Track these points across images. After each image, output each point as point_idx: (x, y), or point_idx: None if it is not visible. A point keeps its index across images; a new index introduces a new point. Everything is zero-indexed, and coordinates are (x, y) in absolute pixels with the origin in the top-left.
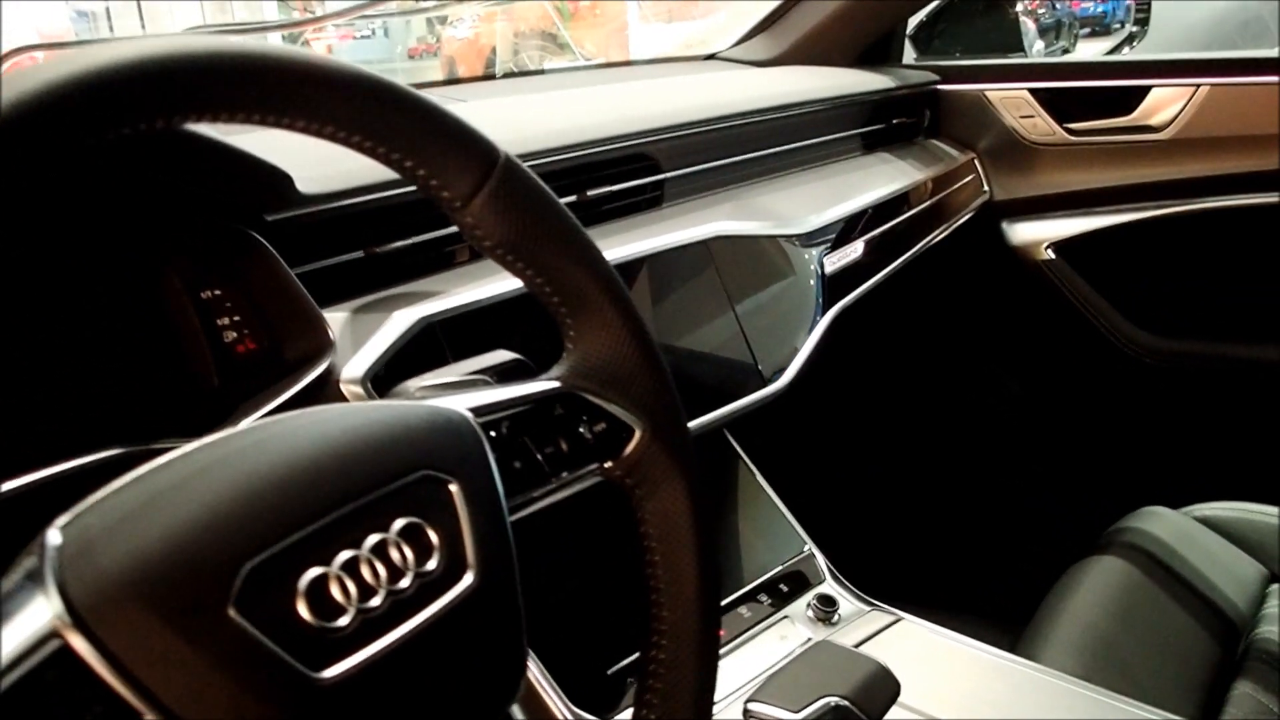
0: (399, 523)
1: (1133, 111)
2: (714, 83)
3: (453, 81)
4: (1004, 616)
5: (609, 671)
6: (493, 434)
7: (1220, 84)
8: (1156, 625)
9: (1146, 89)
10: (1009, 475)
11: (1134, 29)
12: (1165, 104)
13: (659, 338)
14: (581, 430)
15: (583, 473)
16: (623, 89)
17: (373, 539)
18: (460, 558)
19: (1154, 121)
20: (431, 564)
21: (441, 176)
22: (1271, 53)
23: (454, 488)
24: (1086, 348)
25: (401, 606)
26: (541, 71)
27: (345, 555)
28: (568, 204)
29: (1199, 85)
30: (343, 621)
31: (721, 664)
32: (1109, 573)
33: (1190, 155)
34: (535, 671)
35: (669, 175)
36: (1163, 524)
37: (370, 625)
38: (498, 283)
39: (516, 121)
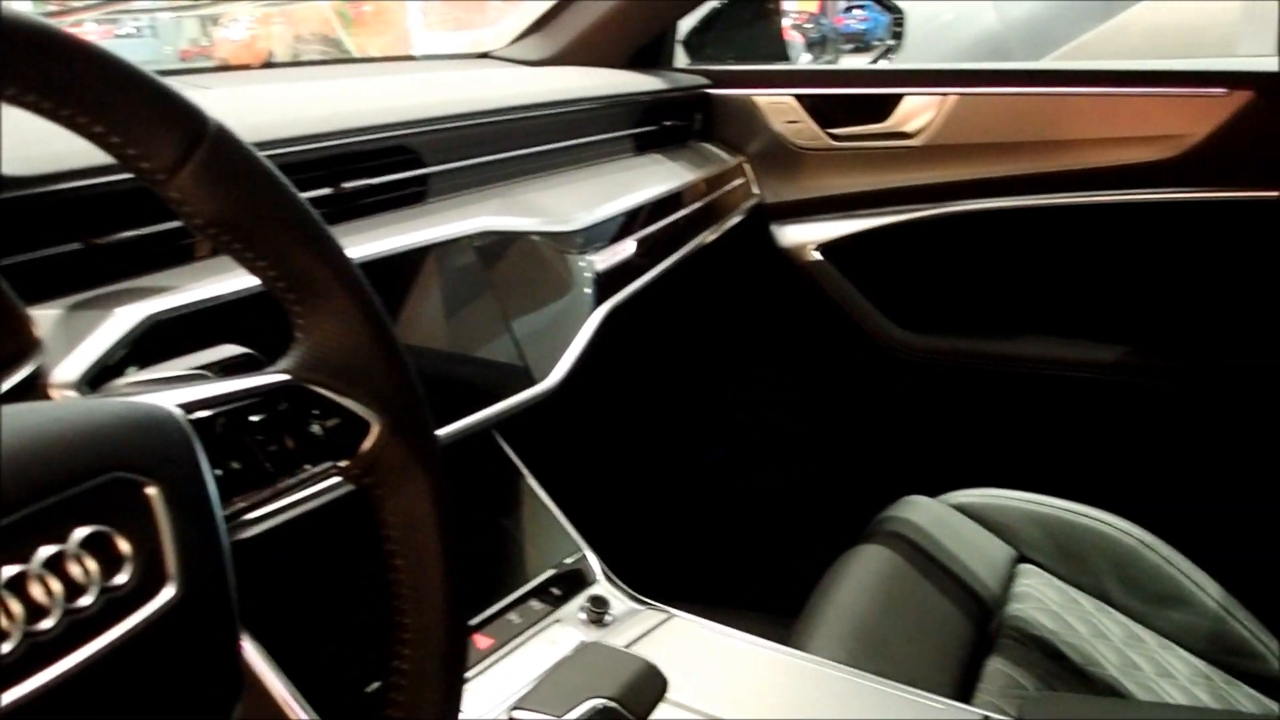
0: (80, 532)
1: (888, 118)
2: (484, 79)
3: (201, 70)
4: (779, 609)
5: (367, 690)
6: (208, 432)
7: (966, 93)
8: (918, 609)
9: (900, 97)
10: (780, 471)
11: (891, 43)
12: (918, 112)
13: (421, 338)
14: (313, 427)
15: (316, 472)
16: (387, 81)
17: (45, 552)
18: (158, 569)
19: (908, 128)
20: (122, 577)
21: (141, 145)
22: (1010, 65)
23: (152, 491)
24: (851, 345)
25: (81, 627)
26: (302, 63)
27: (8, 572)
28: (321, 196)
29: (947, 94)
30: (4, 648)
31: (491, 671)
32: (873, 561)
33: (940, 161)
34: (283, 692)
35: (433, 170)
36: (922, 512)
37: (40, 650)
38: (242, 278)
39: (266, 108)
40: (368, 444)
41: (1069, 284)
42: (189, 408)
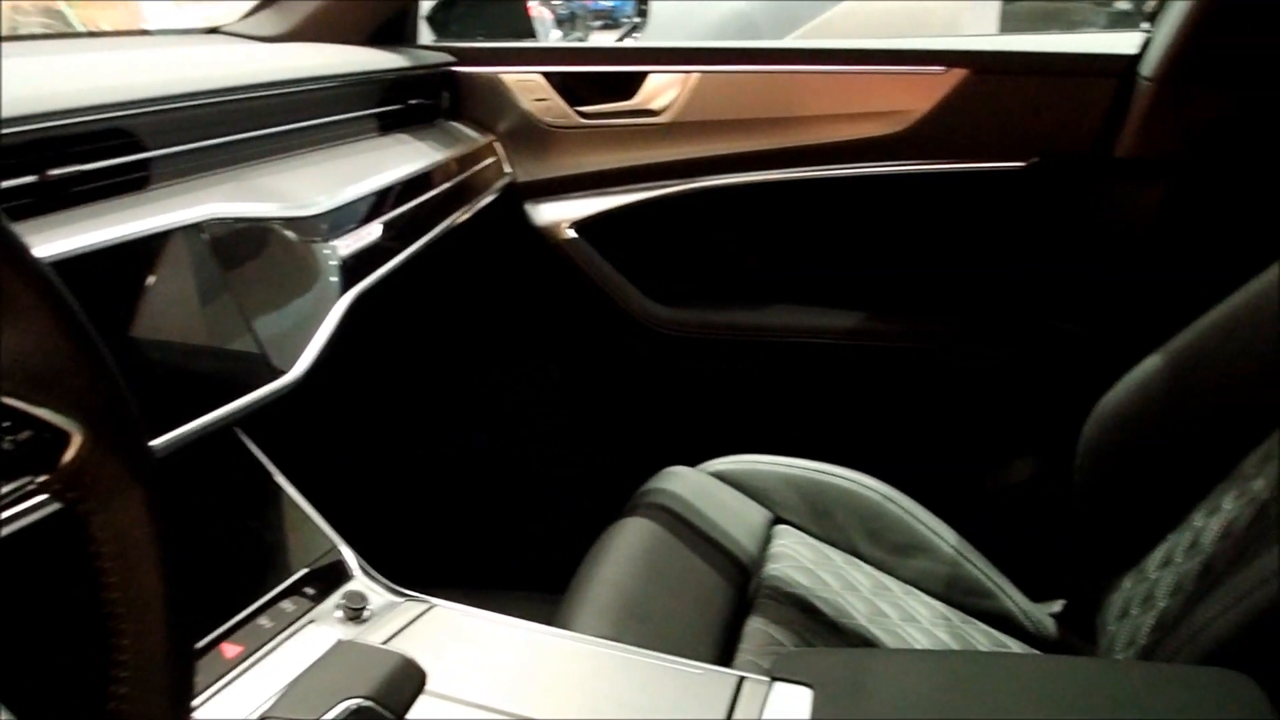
0: None
1: (635, 96)
2: (212, 56)
3: None
4: (551, 587)
5: None
6: None
7: (710, 71)
8: (680, 577)
9: (646, 75)
10: (543, 450)
11: (638, 20)
12: (664, 89)
13: (147, 335)
14: (2, 443)
15: (11, 491)
16: (105, 58)
17: None
18: None
19: (655, 106)
20: None
21: None
22: (750, 44)
23: None
24: (608, 322)
25: None
26: (18, 37)
27: None
28: (25, 185)
29: (691, 72)
30: None
31: (241, 681)
32: (635, 534)
33: (687, 137)
34: None
35: (156, 154)
36: (682, 482)
37: None
38: None
39: None
40: (68, 456)
41: (811, 254)
42: None
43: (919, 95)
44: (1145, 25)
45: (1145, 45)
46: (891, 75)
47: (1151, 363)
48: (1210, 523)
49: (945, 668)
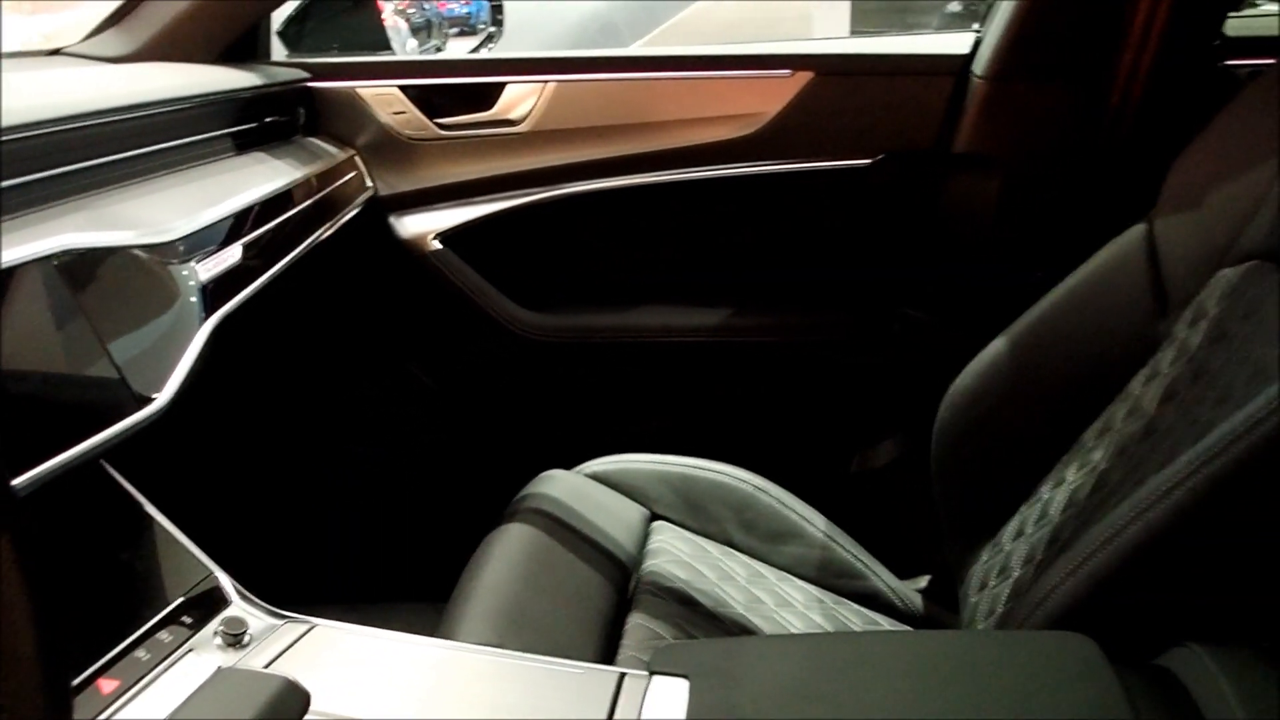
0: None
1: (493, 107)
2: (58, 81)
3: None
4: (437, 596)
5: None
6: None
7: (562, 80)
8: (561, 579)
9: (503, 85)
10: (421, 461)
11: (493, 29)
12: (521, 99)
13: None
14: None
15: None
16: None
17: None
18: None
19: (513, 116)
20: None
21: None
22: (603, 53)
23: None
24: (479, 330)
25: None
26: None
27: None
28: None
29: (546, 82)
30: None
31: (120, 715)
32: (515, 539)
33: (546, 146)
34: None
35: (3, 185)
36: (559, 485)
37: None
38: None
39: None
40: None
41: (674, 255)
42: None
43: (768, 98)
44: (976, 26)
45: (976, 45)
46: (741, 80)
47: (995, 346)
48: (1056, 494)
49: (812, 650)
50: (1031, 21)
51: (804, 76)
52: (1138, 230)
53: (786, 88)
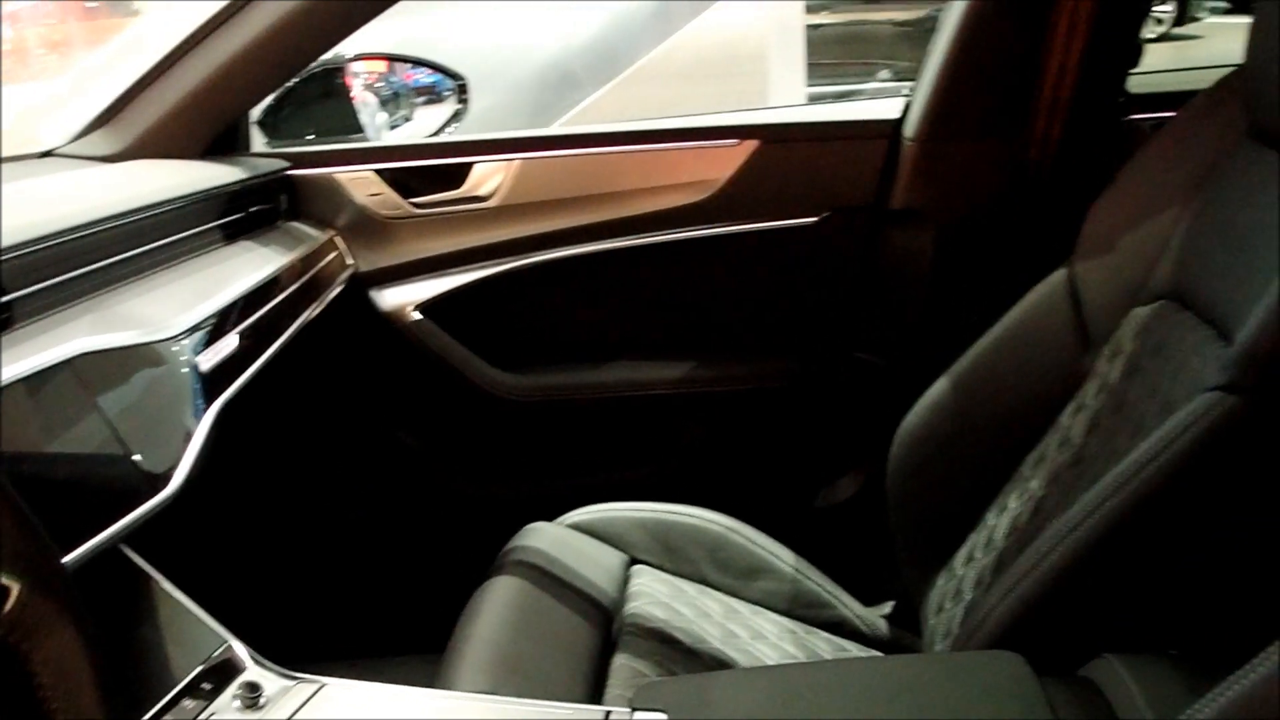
0: None
1: (463, 185)
2: (57, 187)
3: None
4: (431, 649)
5: None
6: None
7: (527, 158)
8: (549, 627)
9: (471, 165)
10: (414, 523)
11: (459, 106)
12: (489, 176)
13: (31, 472)
14: None
15: None
16: None
17: None
18: None
19: (482, 192)
20: None
21: None
22: (564, 130)
23: None
24: (461, 395)
25: None
26: None
27: None
28: None
29: (512, 160)
30: None
31: None
32: (504, 591)
33: (516, 218)
34: None
35: (16, 295)
36: (543, 536)
37: None
38: None
39: None
40: (8, 607)
41: (639, 314)
42: None
43: (718, 166)
44: (905, 91)
45: (906, 109)
46: (693, 150)
47: (939, 386)
48: (1001, 521)
49: (777, 680)
50: (953, 87)
51: (750, 144)
52: (1060, 274)
53: (735, 155)
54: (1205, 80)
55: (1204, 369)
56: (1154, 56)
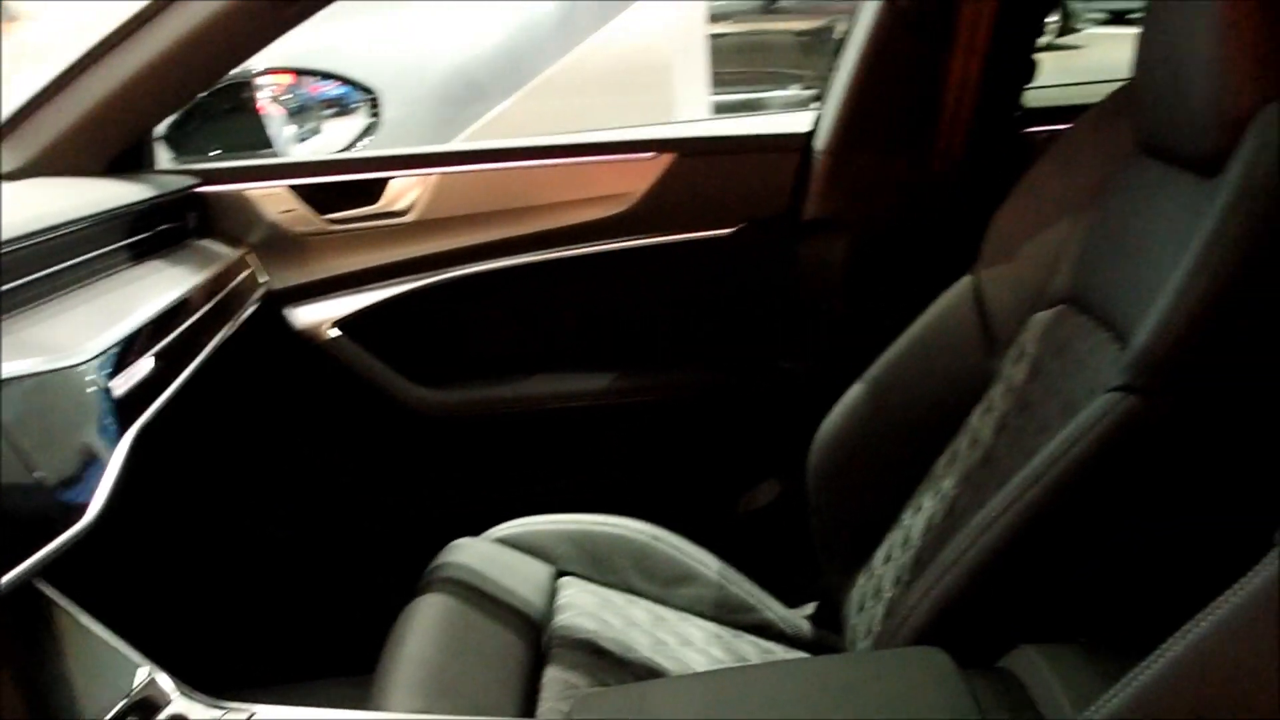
0: None
1: (379, 200)
2: None
3: None
4: (361, 670)
5: None
6: None
7: (444, 173)
8: (478, 643)
9: (387, 180)
10: (340, 543)
11: (371, 120)
12: (405, 191)
13: None
14: None
15: None
16: None
17: None
18: None
19: (398, 207)
20: None
21: None
22: (480, 145)
23: None
24: (382, 412)
25: None
26: None
27: None
28: None
29: (429, 174)
30: None
31: None
32: (432, 608)
33: (433, 233)
34: None
35: None
36: (469, 552)
37: None
38: None
39: None
40: None
41: (560, 327)
42: None
43: (635, 179)
44: (815, 104)
45: (817, 122)
46: (609, 163)
47: (854, 391)
48: (916, 520)
49: (714, 687)
50: (859, 102)
51: (667, 158)
52: (965, 281)
53: (651, 169)
54: (1095, 94)
55: (1103, 370)
56: (1039, 67)
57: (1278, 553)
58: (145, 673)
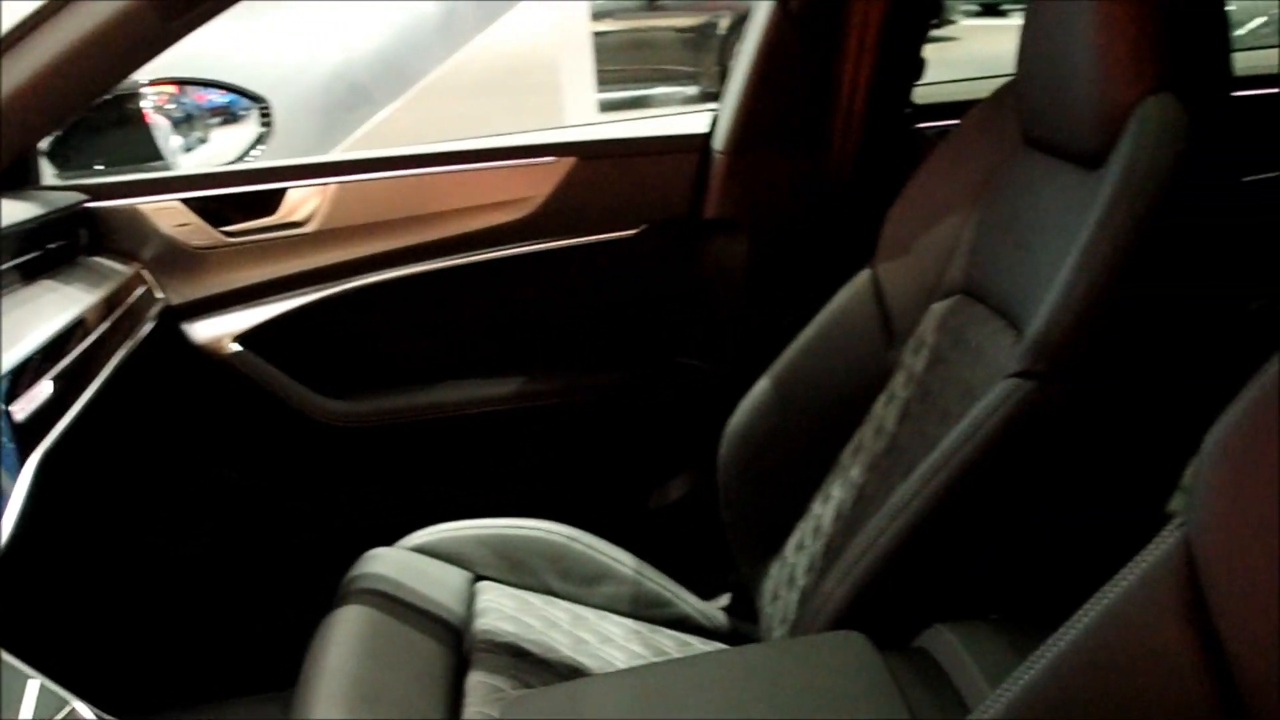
0: None
1: (276, 211)
2: None
3: None
4: (282, 686)
5: None
6: None
7: (342, 182)
8: (399, 651)
9: (284, 191)
10: (252, 558)
11: (263, 129)
12: (303, 202)
13: None
14: None
15: None
16: None
17: None
18: None
19: (296, 218)
20: None
21: None
22: (380, 153)
23: None
24: (288, 425)
25: None
26: None
27: None
28: None
29: (327, 184)
30: None
31: None
32: (350, 619)
33: (335, 243)
34: None
35: None
36: (384, 562)
37: None
38: None
39: None
40: None
41: (467, 333)
42: None
43: (536, 183)
44: (713, 105)
45: (714, 123)
46: (510, 168)
47: (760, 386)
48: (826, 509)
49: (642, 682)
50: (755, 103)
51: (567, 162)
52: (864, 275)
53: (552, 173)
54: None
55: (1000, 357)
56: None
57: (1176, 523)
58: (63, 703)
